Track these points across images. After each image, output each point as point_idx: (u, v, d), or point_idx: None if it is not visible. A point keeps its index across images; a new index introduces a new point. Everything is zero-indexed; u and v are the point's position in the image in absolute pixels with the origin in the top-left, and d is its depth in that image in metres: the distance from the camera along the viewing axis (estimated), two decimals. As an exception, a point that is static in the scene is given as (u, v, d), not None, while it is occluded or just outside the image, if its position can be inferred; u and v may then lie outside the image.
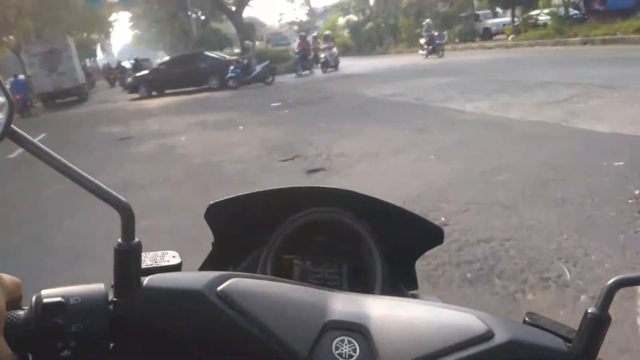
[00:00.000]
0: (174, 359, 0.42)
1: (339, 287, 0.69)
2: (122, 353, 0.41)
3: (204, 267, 0.68)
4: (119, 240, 0.40)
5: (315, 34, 23.95)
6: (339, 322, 0.41)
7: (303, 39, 19.95)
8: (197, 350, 0.41)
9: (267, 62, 16.70)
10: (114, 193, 0.39)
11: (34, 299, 0.39)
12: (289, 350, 0.39)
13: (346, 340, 0.41)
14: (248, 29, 25.10)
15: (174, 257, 0.47)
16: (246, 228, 0.70)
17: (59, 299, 0.38)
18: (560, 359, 0.40)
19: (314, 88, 13.17)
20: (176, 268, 0.46)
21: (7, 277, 0.40)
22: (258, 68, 16.08)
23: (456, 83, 10.27)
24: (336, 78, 15.82)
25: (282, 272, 0.69)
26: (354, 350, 0.40)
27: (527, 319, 0.44)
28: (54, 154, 0.38)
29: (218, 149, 6.89)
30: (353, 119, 7.59)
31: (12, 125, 0.37)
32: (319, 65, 18.82)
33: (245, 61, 16.53)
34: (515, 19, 21.04)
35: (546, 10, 17.94)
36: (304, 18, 47.97)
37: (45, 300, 0.38)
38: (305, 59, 18.67)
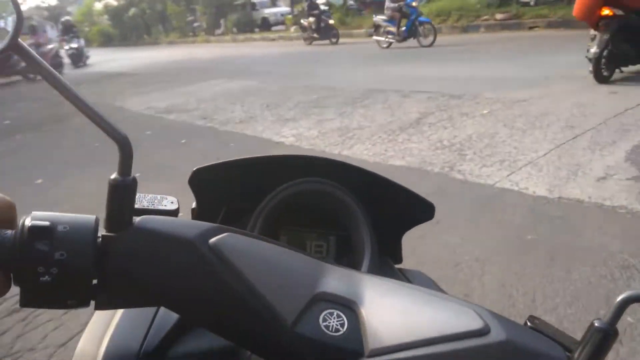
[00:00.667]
0: (153, 305, 0.42)
1: (324, 259, 0.55)
2: (102, 291, 0.38)
3: None
4: (115, 174, 0.38)
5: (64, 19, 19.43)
6: (330, 295, 0.40)
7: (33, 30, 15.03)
8: (180, 301, 0.39)
9: None
10: (114, 125, 0.37)
11: (21, 220, 0.38)
12: (274, 316, 0.38)
13: (335, 314, 0.39)
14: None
15: (172, 202, 0.45)
16: (230, 196, 0.68)
17: (46, 223, 0.36)
18: None
19: (48, 99, 8.61)
20: (172, 214, 0.43)
21: (2, 199, 0.38)
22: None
23: (254, 89, 7.73)
24: (90, 79, 11.84)
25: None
26: (342, 325, 0.39)
27: (528, 322, 0.42)
28: (57, 75, 0.36)
29: None
30: (98, 165, 4.03)
31: (19, 40, 0.36)
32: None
33: None
34: (295, 9, 19.80)
35: (323, 0, 17.05)
36: (54, 2, 41.58)
37: (32, 223, 0.36)
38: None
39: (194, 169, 0.62)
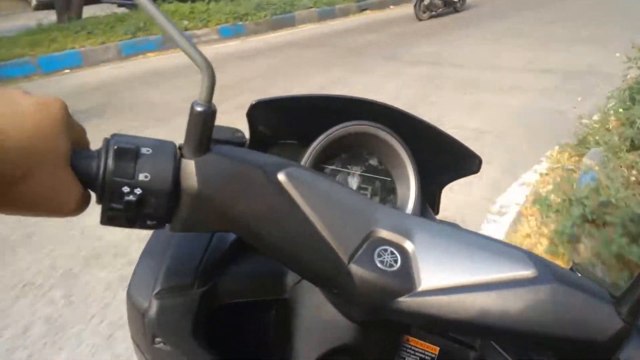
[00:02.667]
0: (223, 230, 0.44)
1: None
2: (179, 214, 0.40)
3: None
4: (197, 100, 0.38)
5: None
6: (384, 233, 0.42)
7: None
8: (248, 227, 0.41)
9: None
10: (200, 51, 0.37)
11: (105, 140, 0.38)
12: (332, 249, 0.40)
13: (389, 251, 0.41)
14: None
15: (240, 134, 0.48)
16: (283, 132, 0.67)
17: (132, 145, 0.38)
18: (601, 310, 0.39)
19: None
20: (241, 144, 0.47)
21: (76, 122, 0.39)
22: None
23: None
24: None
25: None
26: (395, 262, 0.40)
27: (573, 268, 0.45)
28: (151, 3, 0.36)
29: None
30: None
31: None
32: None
33: None
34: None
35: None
36: None
37: (119, 145, 0.37)
38: None
39: (253, 102, 0.62)
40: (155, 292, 0.50)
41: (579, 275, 0.43)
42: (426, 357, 0.56)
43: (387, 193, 0.67)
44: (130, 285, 0.52)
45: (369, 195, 0.68)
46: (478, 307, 0.39)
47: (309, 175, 0.43)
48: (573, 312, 0.39)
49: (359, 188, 0.67)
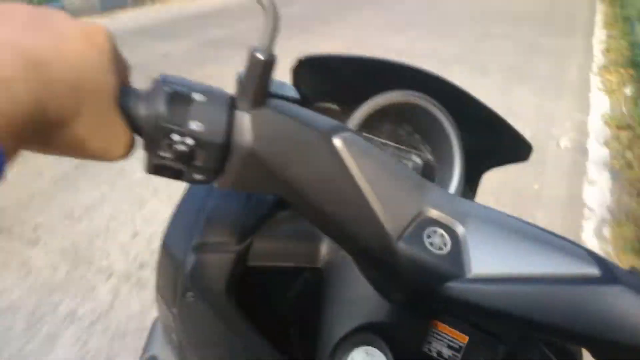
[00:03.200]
0: (271, 191, 0.42)
1: None
2: (229, 170, 0.37)
3: None
4: (257, 45, 0.35)
5: None
6: (435, 213, 0.39)
7: None
8: (298, 190, 0.39)
9: None
10: None
11: (155, 81, 0.35)
12: (382, 225, 0.37)
13: (439, 233, 0.38)
14: None
15: (294, 90, 0.45)
16: (326, 92, 0.64)
17: (185, 89, 0.35)
18: None
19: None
20: (296, 102, 0.42)
21: (122, 54, 0.34)
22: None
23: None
24: None
25: None
26: (445, 244, 0.38)
27: (634, 267, 0.40)
28: None
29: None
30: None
31: None
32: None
33: None
34: None
35: None
36: None
37: (171, 87, 0.34)
38: None
39: (299, 57, 0.59)
40: (193, 245, 0.49)
41: None
42: (454, 345, 0.54)
43: (428, 171, 0.64)
44: (166, 236, 0.51)
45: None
46: (532, 301, 0.37)
47: (364, 144, 0.40)
48: (634, 317, 0.36)
49: (402, 162, 0.64)
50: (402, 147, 0.64)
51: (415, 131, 0.64)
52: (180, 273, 0.49)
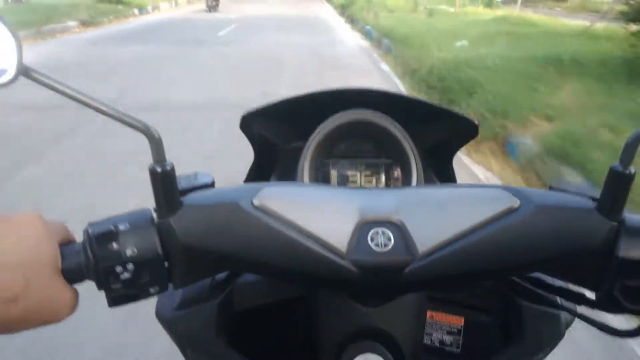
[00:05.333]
0: (221, 270, 0.46)
1: (375, 187, 0.72)
2: (175, 271, 0.41)
3: (248, 178, 0.72)
4: (152, 163, 0.39)
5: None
6: (372, 216, 0.42)
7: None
8: (243, 260, 0.42)
9: None
10: (138, 118, 0.38)
11: (84, 232, 0.40)
12: (328, 250, 0.40)
13: (380, 232, 0.41)
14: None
15: (206, 176, 0.47)
16: (282, 135, 0.70)
17: (110, 226, 0.39)
18: (587, 217, 0.41)
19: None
20: (210, 186, 0.45)
21: (54, 222, 0.40)
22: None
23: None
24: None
25: (320, 175, 0.70)
26: (389, 239, 0.41)
27: (551, 185, 0.45)
28: (71, 87, 0.36)
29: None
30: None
31: (23, 62, 0.36)
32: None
33: None
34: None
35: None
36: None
37: (98, 230, 0.39)
38: None
39: (243, 114, 0.63)
40: (175, 306, 0.51)
41: (559, 191, 0.44)
42: (452, 329, 0.56)
43: (391, 174, 0.68)
44: (157, 304, 0.54)
45: (374, 181, 0.69)
46: (477, 250, 0.40)
47: (284, 190, 0.44)
48: (562, 228, 0.40)
49: (365, 175, 0.68)
50: (367, 159, 0.69)
51: (373, 142, 0.69)
52: (173, 334, 0.51)
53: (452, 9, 14.11)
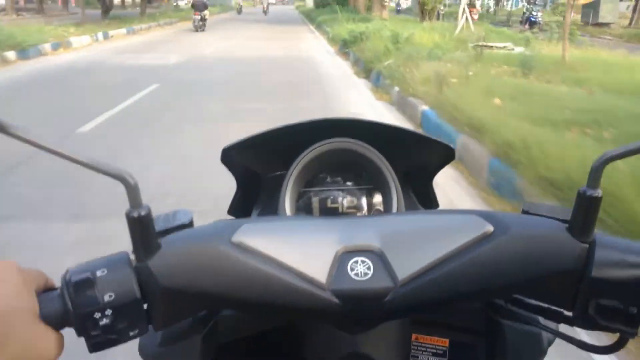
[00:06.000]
0: (201, 310, 0.47)
1: (356, 214, 0.72)
2: (155, 313, 0.41)
3: (231, 209, 0.73)
4: (128, 208, 0.40)
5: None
6: (351, 246, 0.43)
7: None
8: (223, 299, 0.42)
9: None
10: (113, 165, 0.39)
11: (61, 279, 0.40)
12: (308, 282, 0.41)
13: (359, 261, 0.42)
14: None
15: (185, 214, 0.47)
16: (263, 165, 0.72)
17: (87, 274, 0.39)
18: (559, 239, 0.42)
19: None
20: (189, 225, 0.46)
21: (30, 270, 0.41)
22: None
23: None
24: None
25: (302, 205, 0.71)
26: (369, 269, 0.42)
27: (524, 209, 0.47)
28: (41, 140, 0.36)
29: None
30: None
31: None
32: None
33: None
34: None
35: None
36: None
37: (74, 278, 0.39)
38: None
39: (223, 147, 0.64)
40: (158, 342, 0.50)
41: (531, 215, 0.45)
42: (438, 350, 0.57)
43: (372, 199, 0.68)
44: (139, 341, 0.52)
45: (356, 208, 0.69)
46: (455, 276, 0.41)
47: (262, 226, 0.45)
48: (535, 251, 0.41)
49: (347, 202, 0.69)
50: (348, 187, 0.70)
51: (353, 169, 0.69)
52: None
53: (521, 49, 8.35)
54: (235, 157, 0.66)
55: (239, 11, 35.18)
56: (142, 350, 0.52)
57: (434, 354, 0.57)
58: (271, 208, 0.69)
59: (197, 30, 17.85)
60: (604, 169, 0.40)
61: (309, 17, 27.44)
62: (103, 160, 0.38)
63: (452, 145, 0.68)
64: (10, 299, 0.36)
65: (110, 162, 0.38)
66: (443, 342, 0.57)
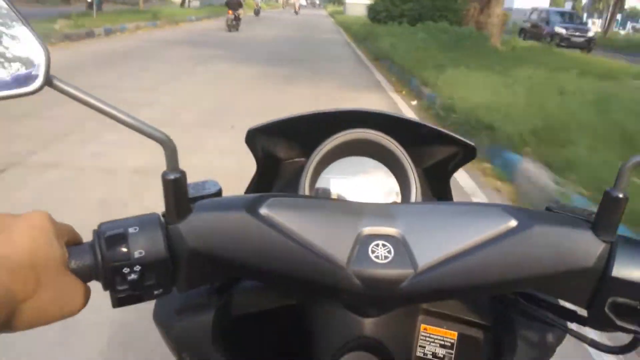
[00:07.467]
0: (225, 276, 0.49)
1: None
2: (181, 275, 0.43)
3: (249, 189, 0.72)
4: (165, 170, 0.41)
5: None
6: (373, 229, 0.44)
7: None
8: (247, 267, 0.44)
9: None
10: (155, 128, 0.40)
11: (95, 232, 0.41)
12: (329, 260, 0.42)
13: (380, 244, 0.43)
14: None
15: (214, 185, 0.49)
16: (285, 150, 0.74)
17: (120, 229, 0.41)
18: (582, 237, 0.42)
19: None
20: (218, 194, 0.48)
21: (61, 223, 0.42)
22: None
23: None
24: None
25: (321, 190, 0.71)
26: (389, 252, 0.42)
27: (548, 208, 0.47)
28: (95, 97, 0.38)
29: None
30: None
31: (50, 74, 0.38)
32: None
33: None
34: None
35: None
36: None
37: (108, 233, 0.41)
38: None
39: (248, 129, 0.65)
40: (175, 310, 0.52)
41: (556, 212, 0.46)
42: (446, 343, 0.58)
43: (391, 190, 0.69)
44: (155, 308, 0.54)
45: (374, 195, 0.70)
46: (475, 267, 0.42)
47: (289, 201, 0.46)
48: (558, 247, 0.42)
49: (363, 190, 0.69)
50: (369, 176, 0.71)
51: (375, 160, 0.70)
52: (171, 338, 0.52)
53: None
54: (258, 139, 0.68)
55: (257, 12, 29.17)
56: (156, 316, 0.53)
57: (442, 346, 0.57)
58: (289, 191, 0.70)
59: (229, 30, 16.52)
60: (631, 172, 0.41)
61: (358, 37, 15.62)
62: (148, 123, 0.39)
63: (472, 143, 0.68)
64: (42, 248, 0.37)
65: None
66: (452, 335, 0.57)
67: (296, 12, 34.25)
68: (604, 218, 0.42)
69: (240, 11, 17.18)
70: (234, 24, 16.80)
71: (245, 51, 11.06)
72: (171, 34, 14.24)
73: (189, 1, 27.89)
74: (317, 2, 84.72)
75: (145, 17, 16.81)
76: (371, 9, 18.30)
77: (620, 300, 0.41)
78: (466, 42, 10.24)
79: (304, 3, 62.58)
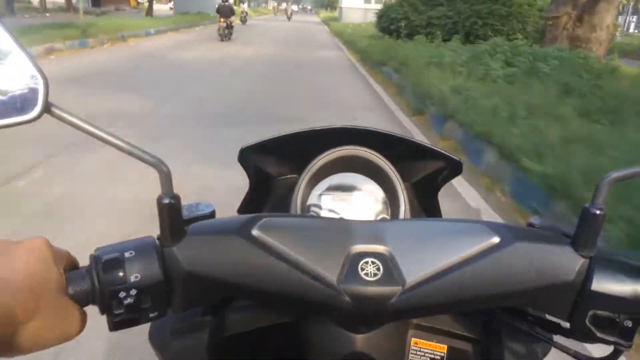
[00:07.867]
0: (219, 297, 0.48)
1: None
2: (176, 297, 0.44)
3: (241, 209, 0.74)
4: (160, 194, 0.42)
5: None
6: (363, 247, 0.45)
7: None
8: (240, 288, 0.45)
9: None
10: (150, 153, 0.41)
11: (91, 257, 0.42)
12: (320, 279, 0.43)
13: (370, 262, 0.44)
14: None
15: (207, 206, 0.50)
16: (276, 168, 0.75)
17: (116, 254, 0.42)
18: (562, 253, 0.44)
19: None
20: (211, 216, 0.49)
21: (59, 248, 0.42)
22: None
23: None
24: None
25: (312, 207, 0.72)
26: (378, 269, 0.44)
27: (530, 223, 0.49)
28: (92, 124, 0.39)
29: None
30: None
31: (49, 101, 0.38)
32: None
33: None
34: None
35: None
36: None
37: (104, 258, 0.41)
38: None
39: (241, 147, 0.66)
40: (170, 331, 0.53)
41: (537, 228, 0.48)
42: (436, 356, 0.59)
43: (380, 206, 0.70)
44: (150, 329, 0.55)
45: (364, 212, 0.71)
46: (460, 283, 0.43)
47: (280, 221, 0.47)
48: (539, 263, 0.43)
49: (353, 206, 0.71)
50: (358, 192, 0.72)
51: (365, 177, 0.72)
52: (165, 358, 0.53)
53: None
54: (250, 157, 0.69)
55: (243, 20, 26.24)
56: (152, 337, 0.54)
57: (432, 359, 0.59)
58: (281, 209, 0.72)
59: (222, 40, 15.48)
60: (609, 187, 0.42)
61: (370, 58, 10.12)
62: (143, 149, 0.40)
63: (459, 159, 0.70)
64: (41, 273, 0.38)
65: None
66: (441, 348, 0.59)
67: (289, 18, 34.73)
68: (583, 234, 0.43)
69: (233, 18, 16.29)
70: (226, 33, 15.81)
71: (193, 94, 6.52)
72: (92, 63, 9.33)
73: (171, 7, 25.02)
74: (309, 7, 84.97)
75: (70, 34, 11.47)
76: (382, 16, 12.76)
77: (600, 313, 0.43)
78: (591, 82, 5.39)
79: (296, 9, 62.86)
